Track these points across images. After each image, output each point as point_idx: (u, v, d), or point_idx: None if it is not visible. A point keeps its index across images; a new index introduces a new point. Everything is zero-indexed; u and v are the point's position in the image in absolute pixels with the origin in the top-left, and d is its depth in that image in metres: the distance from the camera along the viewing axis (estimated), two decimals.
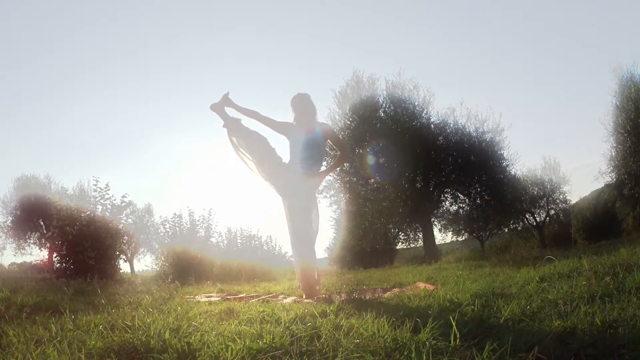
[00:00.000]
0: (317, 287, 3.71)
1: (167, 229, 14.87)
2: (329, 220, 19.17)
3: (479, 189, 16.09)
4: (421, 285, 3.77)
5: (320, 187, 15.55)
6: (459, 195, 16.65)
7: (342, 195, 16.16)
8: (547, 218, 21.89)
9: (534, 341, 1.41)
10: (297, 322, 2.00)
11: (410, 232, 18.92)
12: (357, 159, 15.01)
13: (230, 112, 3.89)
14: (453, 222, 20.20)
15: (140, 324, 2.03)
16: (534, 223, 22.02)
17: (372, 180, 15.47)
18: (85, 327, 2.10)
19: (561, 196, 21.54)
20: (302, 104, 3.78)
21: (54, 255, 8.62)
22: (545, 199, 21.47)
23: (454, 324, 1.55)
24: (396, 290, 3.91)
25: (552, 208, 21.76)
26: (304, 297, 3.65)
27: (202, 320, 2.27)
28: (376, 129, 14.70)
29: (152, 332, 1.81)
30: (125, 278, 8.55)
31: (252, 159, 3.84)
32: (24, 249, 20.82)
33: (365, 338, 1.64)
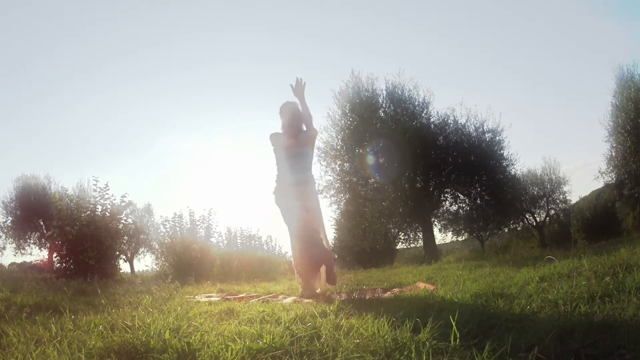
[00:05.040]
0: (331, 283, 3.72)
1: (167, 229, 14.86)
2: (329, 220, 19.19)
3: (479, 189, 16.08)
4: (421, 285, 3.78)
5: (320, 187, 15.57)
6: (459, 195, 16.64)
7: (342, 195, 16.15)
8: (547, 218, 21.90)
9: (534, 341, 1.41)
10: (297, 322, 2.00)
11: (410, 232, 18.94)
12: (357, 159, 15.01)
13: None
14: (453, 222, 20.22)
15: (140, 324, 2.03)
16: (534, 223, 22.03)
17: (372, 180, 15.47)
18: (85, 327, 2.10)
19: (561, 196, 21.58)
20: (290, 112, 3.85)
21: (54, 255, 8.62)
22: (545, 199, 21.49)
23: (454, 324, 1.55)
24: (396, 290, 3.91)
25: (552, 208, 21.79)
26: (303, 296, 3.66)
27: (202, 320, 2.27)
28: (376, 129, 14.69)
29: (152, 332, 1.81)
30: (125, 278, 8.56)
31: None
32: (24, 249, 20.81)
33: (365, 338, 1.64)
